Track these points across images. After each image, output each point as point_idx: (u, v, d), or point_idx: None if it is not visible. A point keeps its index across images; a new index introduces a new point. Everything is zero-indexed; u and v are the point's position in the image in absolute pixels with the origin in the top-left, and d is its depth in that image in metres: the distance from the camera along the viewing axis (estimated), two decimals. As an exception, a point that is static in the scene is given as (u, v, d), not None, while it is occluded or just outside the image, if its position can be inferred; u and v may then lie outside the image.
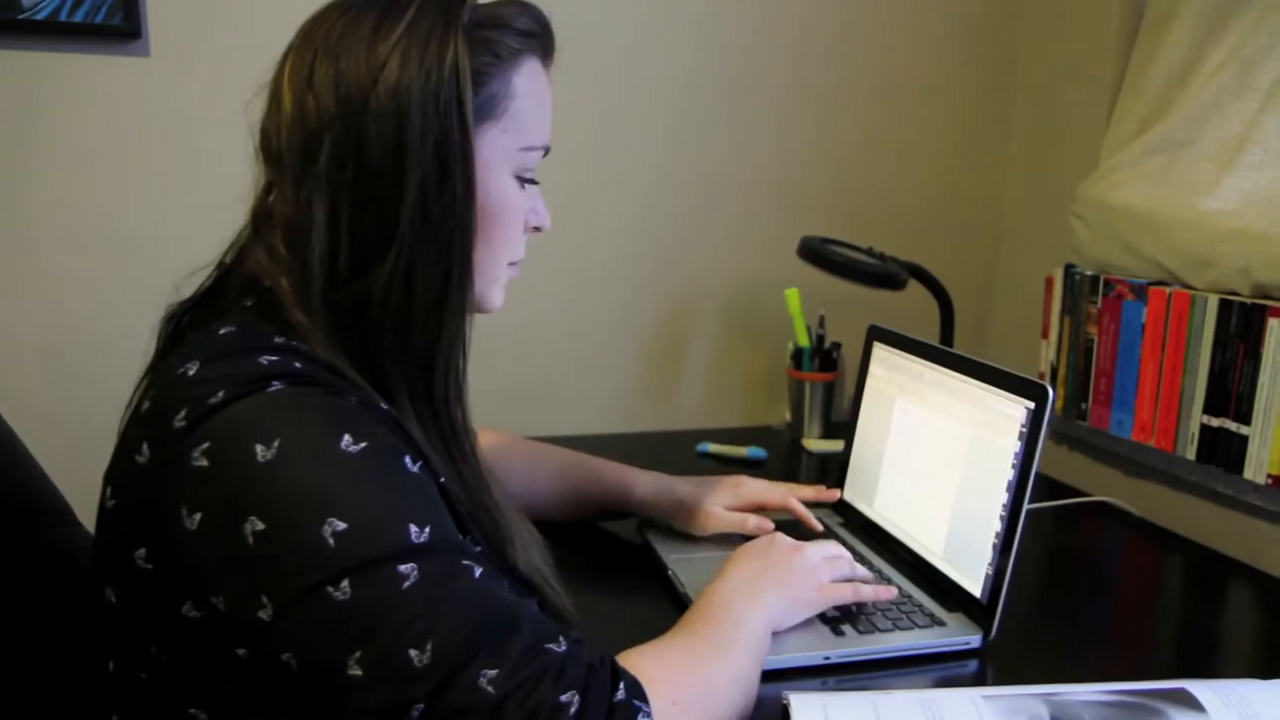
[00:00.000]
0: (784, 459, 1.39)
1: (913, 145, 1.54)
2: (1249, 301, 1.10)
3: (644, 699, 0.59)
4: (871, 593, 0.86)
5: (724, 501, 1.00)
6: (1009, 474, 0.85)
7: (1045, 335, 1.40)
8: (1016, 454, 0.84)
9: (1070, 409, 1.36)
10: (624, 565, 1.01)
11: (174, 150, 1.24)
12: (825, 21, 1.46)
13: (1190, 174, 1.21)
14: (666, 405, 1.51)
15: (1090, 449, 1.40)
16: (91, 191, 1.22)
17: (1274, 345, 1.07)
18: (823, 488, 1.05)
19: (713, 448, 1.37)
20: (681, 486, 1.02)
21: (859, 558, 0.98)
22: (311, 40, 0.67)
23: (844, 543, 1.02)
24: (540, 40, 0.72)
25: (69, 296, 1.23)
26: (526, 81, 0.70)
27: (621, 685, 0.58)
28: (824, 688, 0.79)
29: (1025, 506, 0.83)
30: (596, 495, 1.05)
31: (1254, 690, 0.58)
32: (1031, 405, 0.84)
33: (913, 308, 1.45)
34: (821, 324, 1.45)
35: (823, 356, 1.42)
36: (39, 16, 1.16)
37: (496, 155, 0.69)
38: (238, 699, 0.62)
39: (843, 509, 1.11)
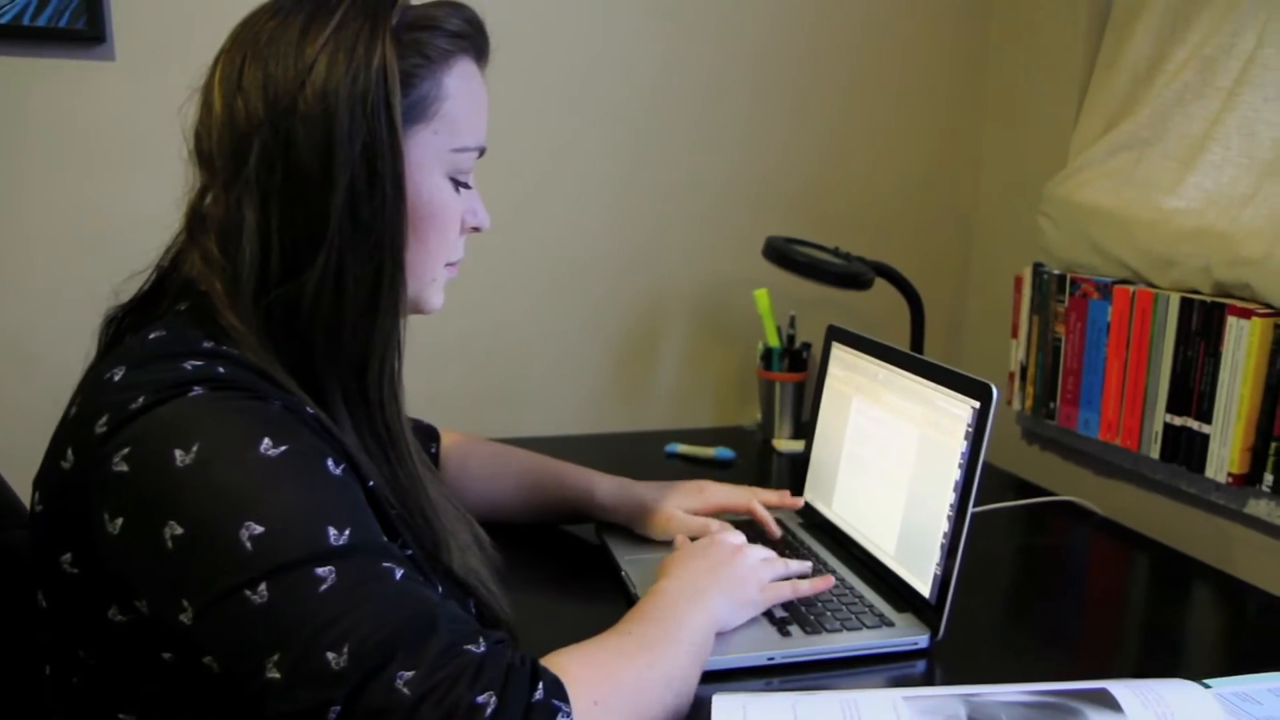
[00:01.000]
0: (755, 459, 1.38)
1: (886, 145, 1.54)
2: (1209, 300, 1.10)
3: (564, 699, 0.59)
4: (809, 587, 0.86)
5: (685, 505, 1.00)
6: (956, 474, 0.85)
7: (1015, 334, 1.40)
8: (963, 454, 0.84)
9: (1039, 408, 1.36)
10: (581, 566, 1.01)
11: (141, 153, 1.24)
12: (797, 22, 1.46)
13: (1154, 172, 1.21)
14: (638, 406, 1.51)
15: (1060, 448, 1.40)
16: (57, 195, 1.22)
17: (1233, 344, 1.06)
18: (787, 493, 1.05)
19: (681, 448, 1.37)
20: (642, 490, 1.02)
21: (814, 558, 0.98)
22: (241, 44, 0.67)
23: (802, 543, 1.02)
24: (473, 41, 0.72)
25: (33, 298, 1.23)
26: (458, 83, 0.70)
27: (540, 685, 0.58)
28: (769, 688, 0.79)
29: (971, 507, 0.83)
30: (558, 498, 1.05)
31: (1174, 691, 0.58)
32: (977, 405, 0.83)
33: (885, 307, 1.45)
34: (792, 324, 1.45)
35: (792, 357, 1.42)
36: (2, 21, 1.16)
37: (428, 156, 0.69)
38: (165, 703, 0.62)
39: (803, 509, 1.10)
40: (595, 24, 1.38)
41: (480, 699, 0.55)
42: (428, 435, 1.04)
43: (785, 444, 1.41)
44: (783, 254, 1.28)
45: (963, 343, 1.63)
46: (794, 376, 1.41)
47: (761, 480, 1.32)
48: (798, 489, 1.11)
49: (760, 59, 1.46)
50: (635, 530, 1.02)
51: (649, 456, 1.37)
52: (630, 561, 0.97)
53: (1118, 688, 0.58)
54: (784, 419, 1.42)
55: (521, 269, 1.41)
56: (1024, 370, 1.39)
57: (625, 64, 1.41)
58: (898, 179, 1.55)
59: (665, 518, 0.99)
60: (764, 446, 1.43)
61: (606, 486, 1.03)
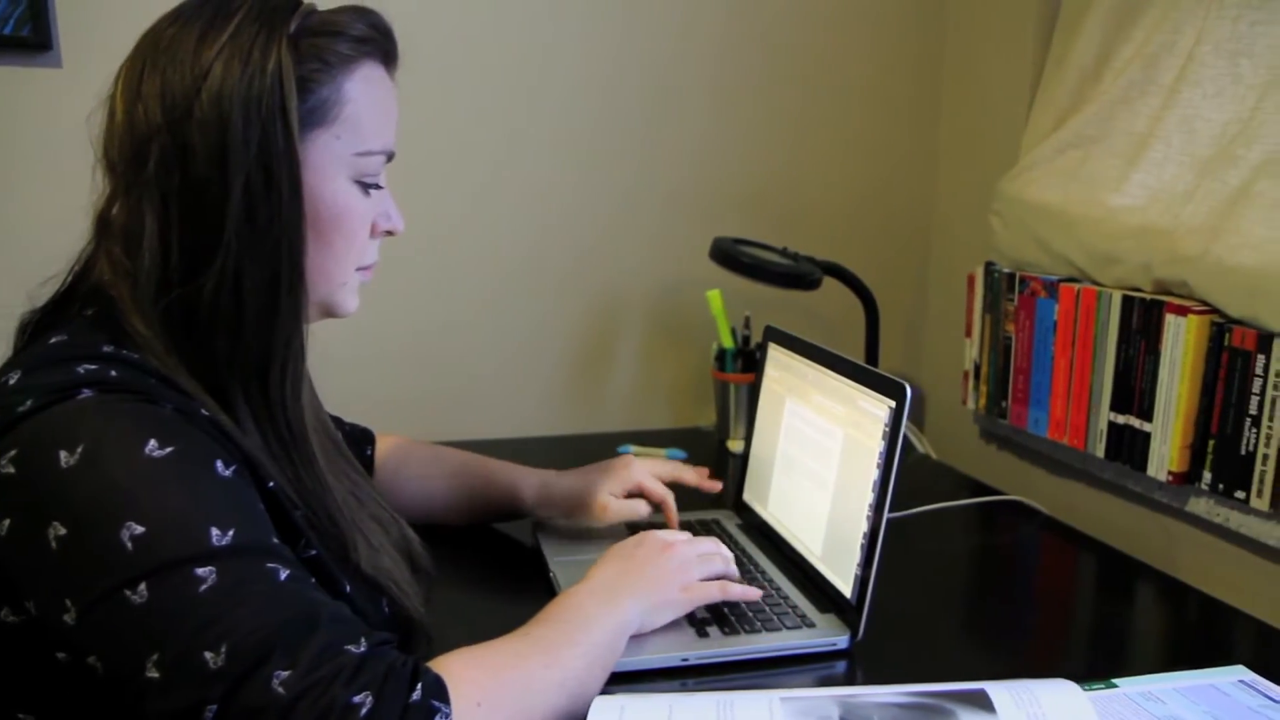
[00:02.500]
0: (711, 460, 1.38)
1: (844, 145, 1.54)
2: (1149, 298, 1.10)
3: (444, 699, 0.59)
4: (740, 591, 0.86)
5: (616, 488, 1.01)
6: (875, 474, 0.85)
7: (969, 334, 1.40)
8: (881, 453, 0.84)
9: (993, 407, 1.36)
10: (514, 567, 1.02)
11: (89, 161, 1.24)
12: (750, 22, 1.46)
13: (1100, 170, 1.21)
14: (594, 408, 1.51)
15: (1014, 447, 1.40)
16: (5, 201, 1.23)
17: (1171, 342, 1.06)
18: (706, 472, 1.07)
19: (633, 449, 1.37)
20: (568, 481, 1.03)
21: (748, 559, 0.98)
22: (142, 51, 0.68)
23: (737, 544, 1.03)
24: (379, 45, 0.72)
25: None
26: (361, 87, 0.70)
27: (420, 686, 0.58)
28: (684, 689, 0.79)
29: (888, 507, 0.83)
30: (489, 497, 1.05)
31: (1049, 691, 0.58)
32: (893, 404, 0.84)
33: (844, 308, 1.44)
34: (746, 325, 1.45)
35: (746, 358, 1.42)
36: (-51, 30, 1.17)
37: (329, 161, 0.70)
38: (63, 702, 0.63)
39: (742, 510, 1.11)
40: (546, 21, 1.38)
41: (356, 699, 0.56)
42: (363, 438, 1.04)
43: (739, 444, 1.41)
44: (728, 254, 1.29)
45: (922, 342, 1.62)
46: (747, 377, 1.41)
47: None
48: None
49: (715, 58, 1.46)
50: (573, 521, 1.03)
51: (602, 458, 1.37)
52: (560, 563, 0.97)
53: (995, 688, 0.59)
54: (738, 420, 1.43)
55: (473, 270, 1.42)
56: (978, 369, 1.39)
57: (578, 63, 1.41)
58: (855, 179, 1.55)
59: (600, 507, 1.00)
60: (720, 447, 1.44)
61: (533, 483, 1.04)
